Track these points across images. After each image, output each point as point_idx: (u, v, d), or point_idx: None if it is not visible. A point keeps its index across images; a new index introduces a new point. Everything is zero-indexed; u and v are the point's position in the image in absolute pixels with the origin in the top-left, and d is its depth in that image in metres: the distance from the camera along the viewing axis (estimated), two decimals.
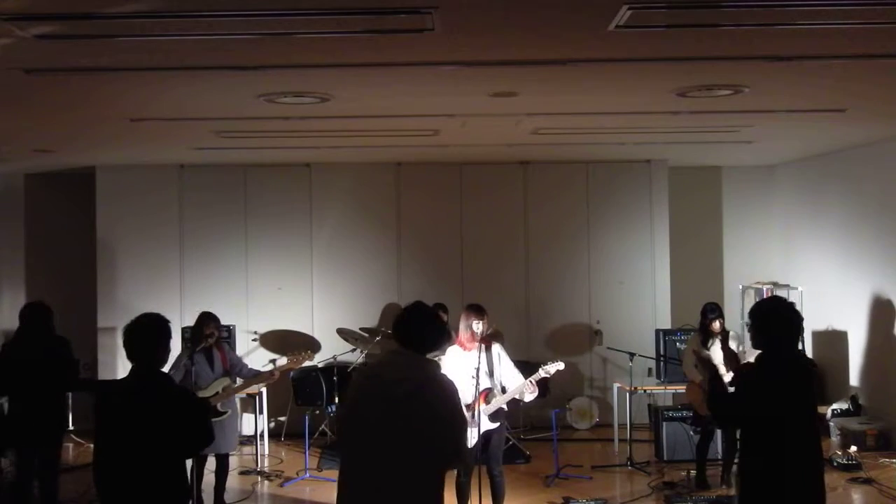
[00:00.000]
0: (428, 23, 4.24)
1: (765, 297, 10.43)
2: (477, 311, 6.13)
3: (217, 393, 6.73)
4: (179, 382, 6.64)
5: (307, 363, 7.50)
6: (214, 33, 4.40)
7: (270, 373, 7.12)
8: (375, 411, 3.62)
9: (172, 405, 4.01)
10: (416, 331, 3.76)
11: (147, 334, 4.04)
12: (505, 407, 6.15)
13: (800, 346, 7.43)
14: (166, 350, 4.09)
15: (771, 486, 4.02)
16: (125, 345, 4.04)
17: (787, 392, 4.01)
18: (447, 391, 3.73)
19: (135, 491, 3.95)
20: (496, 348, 6.17)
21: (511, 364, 6.21)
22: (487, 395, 6.04)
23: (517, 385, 6.06)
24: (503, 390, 6.11)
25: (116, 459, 3.99)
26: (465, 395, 6.04)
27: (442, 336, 3.94)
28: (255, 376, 7.11)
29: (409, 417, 3.57)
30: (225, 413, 6.74)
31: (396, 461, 3.57)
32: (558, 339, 10.25)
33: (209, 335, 6.76)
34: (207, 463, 6.99)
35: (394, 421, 3.57)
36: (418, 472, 3.60)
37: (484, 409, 6.00)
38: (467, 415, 5.99)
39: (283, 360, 7.32)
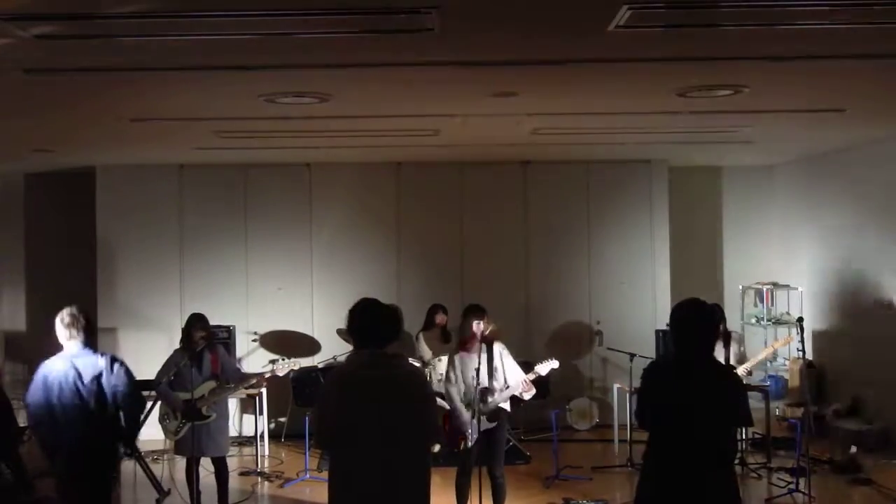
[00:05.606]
0: (428, 23, 4.23)
1: (765, 296, 10.46)
2: (477, 311, 6.15)
3: (203, 396, 6.67)
4: (170, 383, 6.61)
5: (291, 367, 7.35)
6: (214, 33, 4.40)
7: (257, 379, 7.12)
8: (362, 409, 3.82)
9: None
10: (371, 330, 4.05)
11: None
12: (507, 407, 6.16)
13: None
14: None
15: (643, 480, 4.19)
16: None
17: (664, 392, 4.09)
18: (419, 377, 4.42)
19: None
20: (497, 347, 6.16)
21: (514, 363, 6.21)
22: (484, 394, 6.04)
23: (513, 384, 6.08)
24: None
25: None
26: (466, 396, 6.08)
27: (395, 326, 4.22)
28: (242, 380, 7.07)
29: (394, 407, 3.84)
30: (209, 417, 6.65)
31: (391, 448, 3.80)
32: (558, 340, 10.24)
33: (201, 337, 6.71)
34: (209, 464, 6.94)
35: (381, 413, 3.81)
36: (411, 454, 3.87)
37: (481, 408, 6.00)
38: (467, 414, 6.03)
39: (270, 366, 7.24)
